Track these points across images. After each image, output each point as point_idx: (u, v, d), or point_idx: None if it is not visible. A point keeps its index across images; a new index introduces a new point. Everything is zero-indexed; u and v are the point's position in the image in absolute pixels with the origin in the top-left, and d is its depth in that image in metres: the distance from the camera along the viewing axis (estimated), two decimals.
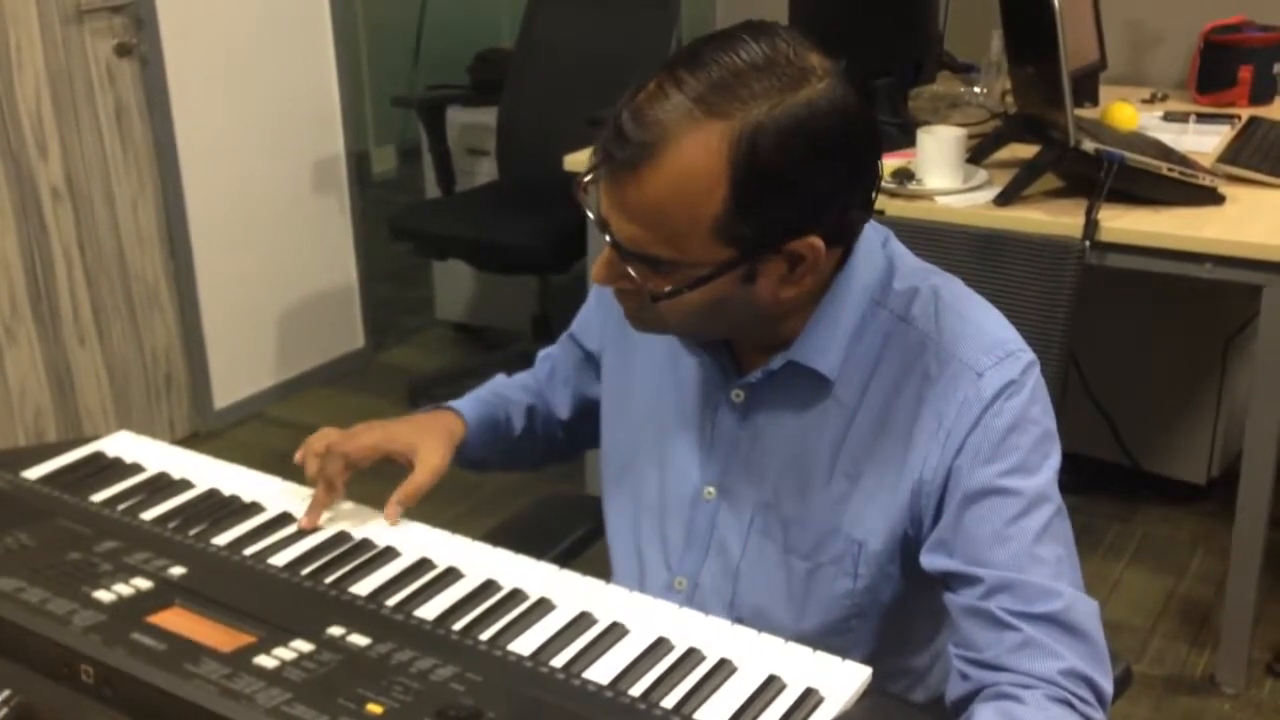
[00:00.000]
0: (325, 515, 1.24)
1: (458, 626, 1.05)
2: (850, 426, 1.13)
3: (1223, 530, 2.52)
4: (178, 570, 1.10)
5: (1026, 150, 2.39)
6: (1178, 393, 2.91)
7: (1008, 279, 1.53)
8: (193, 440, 3.38)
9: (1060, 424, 1.12)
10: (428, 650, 0.99)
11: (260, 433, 3.47)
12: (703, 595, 1.23)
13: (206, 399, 3.45)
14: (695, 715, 0.95)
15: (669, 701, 0.96)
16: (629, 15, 3.50)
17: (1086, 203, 2.16)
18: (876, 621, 1.17)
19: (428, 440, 1.28)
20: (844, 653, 1.03)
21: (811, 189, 1.01)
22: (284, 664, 0.95)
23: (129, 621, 1.00)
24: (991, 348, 1.10)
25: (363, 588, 1.11)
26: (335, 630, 1.01)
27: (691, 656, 1.02)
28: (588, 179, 1.06)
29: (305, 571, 1.13)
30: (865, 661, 1.02)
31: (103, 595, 1.04)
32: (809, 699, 0.97)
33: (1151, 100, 3.05)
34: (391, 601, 1.08)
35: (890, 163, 2.36)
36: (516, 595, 1.10)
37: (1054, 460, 1.09)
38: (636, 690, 0.97)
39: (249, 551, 1.16)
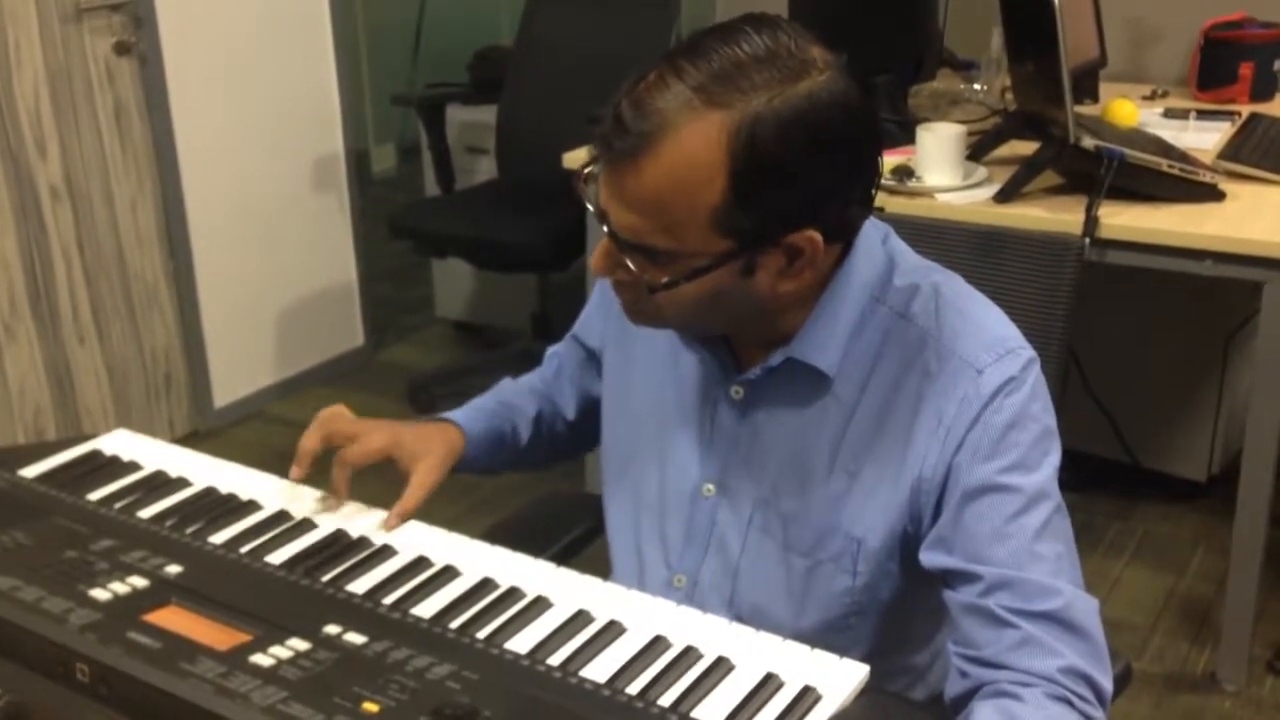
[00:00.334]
0: (324, 515, 1.23)
1: (454, 625, 1.05)
2: (850, 423, 1.13)
3: (1223, 528, 2.52)
4: (174, 569, 1.10)
5: (1026, 147, 2.39)
6: (1178, 390, 2.90)
7: (1008, 276, 1.52)
8: (192, 439, 3.39)
9: (1060, 421, 1.12)
10: (424, 648, 0.99)
11: (260, 431, 3.47)
12: (702, 592, 1.22)
13: (206, 398, 3.44)
14: (692, 713, 0.94)
15: (666, 699, 0.96)
16: (629, 14, 3.49)
17: (1086, 199, 2.16)
18: (876, 619, 1.17)
19: (428, 458, 1.28)
20: (843, 650, 1.03)
21: (811, 181, 1.01)
22: (280, 662, 0.95)
23: (125, 620, 1.00)
24: (992, 345, 1.10)
25: (359, 586, 1.10)
26: (331, 628, 1.01)
27: (689, 654, 1.02)
28: (588, 171, 1.06)
29: (302, 570, 1.13)
30: (865, 659, 1.01)
31: (99, 594, 1.04)
32: (806, 697, 0.97)
33: (1152, 97, 3.05)
34: (388, 600, 1.08)
35: (890, 160, 2.36)
36: (513, 593, 1.10)
37: (1054, 457, 1.09)
38: (633, 688, 0.97)
39: (245, 550, 1.16)
